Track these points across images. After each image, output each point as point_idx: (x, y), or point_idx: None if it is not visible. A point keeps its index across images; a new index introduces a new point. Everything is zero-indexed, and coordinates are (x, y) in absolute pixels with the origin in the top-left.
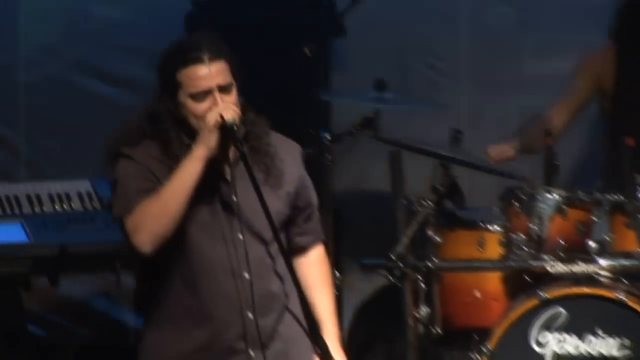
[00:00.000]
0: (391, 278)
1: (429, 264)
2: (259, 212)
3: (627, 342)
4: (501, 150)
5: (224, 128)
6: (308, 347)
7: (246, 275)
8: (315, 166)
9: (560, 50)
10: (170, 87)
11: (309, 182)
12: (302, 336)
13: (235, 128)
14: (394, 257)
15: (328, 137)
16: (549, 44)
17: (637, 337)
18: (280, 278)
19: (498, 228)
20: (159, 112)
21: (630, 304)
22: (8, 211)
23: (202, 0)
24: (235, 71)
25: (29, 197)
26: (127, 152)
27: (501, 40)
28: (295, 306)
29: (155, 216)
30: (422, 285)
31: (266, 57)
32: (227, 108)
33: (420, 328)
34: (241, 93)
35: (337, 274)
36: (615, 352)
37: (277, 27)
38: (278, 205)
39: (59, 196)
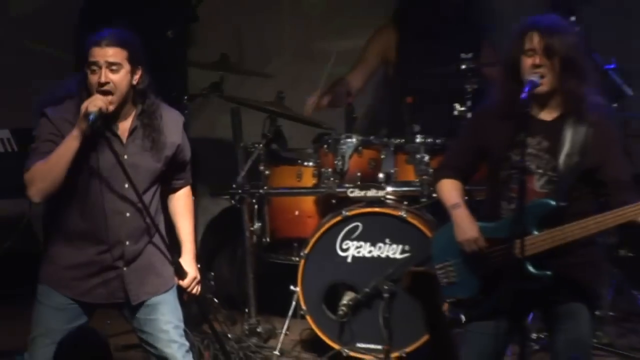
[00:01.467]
0: (233, 201)
1: (261, 191)
2: (139, 170)
3: (407, 247)
4: (318, 99)
5: (86, 117)
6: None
7: (127, 214)
8: None
9: (356, 30)
10: (83, 61)
11: (185, 146)
12: (161, 254)
13: (94, 120)
14: (235, 186)
15: (186, 97)
16: (348, 25)
17: (414, 243)
18: (151, 218)
19: (311, 164)
20: (81, 79)
21: (409, 219)
22: None
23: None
24: (135, 60)
25: None
26: (47, 113)
27: (314, 23)
28: (158, 237)
29: (41, 177)
30: (256, 206)
31: (142, 39)
32: (94, 100)
33: (255, 238)
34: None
35: (193, 198)
36: (398, 255)
37: (149, 16)
38: (157, 164)
39: None
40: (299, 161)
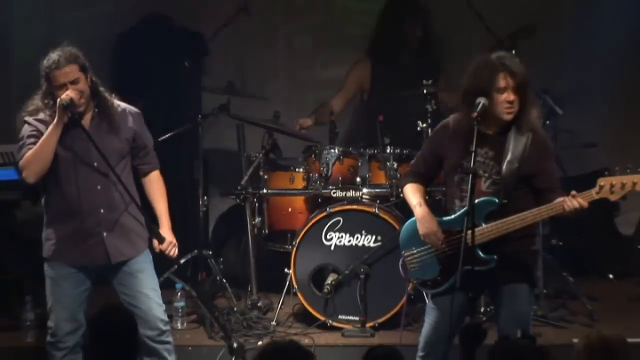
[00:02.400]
0: (238, 200)
1: (260, 192)
2: (106, 150)
3: (379, 237)
4: (305, 120)
5: (62, 106)
6: (144, 232)
7: (98, 187)
8: (192, 134)
9: (338, 63)
10: (47, 80)
11: (144, 133)
12: (138, 225)
13: (66, 105)
14: (239, 187)
15: (199, 116)
16: (332, 59)
17: (385, 234)
18: (121, 192)
19: (302, 170)
20: (48, 92)
21: (381, 215)
22: (7, 161)
23: (125, 33)
24: (84, 68)
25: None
26: (28, 119)
27: (303, 56)
28: (133, 210)
29: (32, 161)
30: (256, 204)
31: (165, 68)
32: (66, 95)
33: (256, 230)
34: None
35: (205, 197)
36: (372, 244)
37: (170, 50)
38: (119, 144)
39: None
40: (292, 167)
